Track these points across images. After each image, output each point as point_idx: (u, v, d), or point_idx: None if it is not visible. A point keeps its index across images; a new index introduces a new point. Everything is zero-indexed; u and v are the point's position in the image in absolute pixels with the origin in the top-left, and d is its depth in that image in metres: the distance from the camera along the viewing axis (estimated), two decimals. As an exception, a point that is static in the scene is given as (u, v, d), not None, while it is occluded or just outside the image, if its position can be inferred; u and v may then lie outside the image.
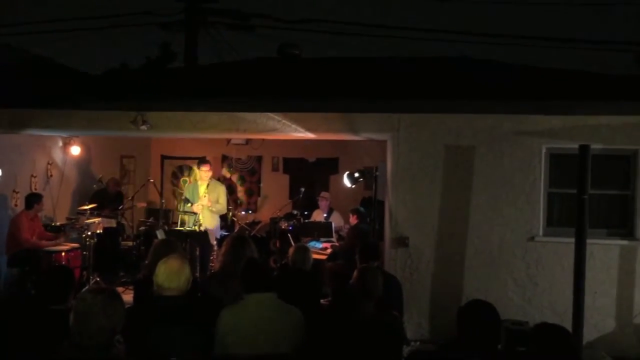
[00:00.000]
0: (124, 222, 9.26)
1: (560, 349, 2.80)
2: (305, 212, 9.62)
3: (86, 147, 9.53)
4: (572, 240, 5.47)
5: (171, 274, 3.58)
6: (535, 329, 2.94)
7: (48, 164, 8.68)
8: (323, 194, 9.59)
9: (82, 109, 7.03)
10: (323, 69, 9.03)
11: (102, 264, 8.21)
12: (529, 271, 6.44)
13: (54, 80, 8.80)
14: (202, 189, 7.68)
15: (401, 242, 6.58)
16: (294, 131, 6.80)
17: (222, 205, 7.78)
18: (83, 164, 9.61)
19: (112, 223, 8.73)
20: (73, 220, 8.28)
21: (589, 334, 6.10)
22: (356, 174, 7.43)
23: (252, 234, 9.57)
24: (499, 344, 2.77)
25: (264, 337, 3.43)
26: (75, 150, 9.14)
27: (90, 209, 7.95)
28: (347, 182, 7.58)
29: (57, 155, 8.93)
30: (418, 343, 6.30)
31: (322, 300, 5.35)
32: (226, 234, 8.36)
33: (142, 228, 9.02)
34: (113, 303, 2.62)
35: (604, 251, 6.33)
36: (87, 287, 7.27)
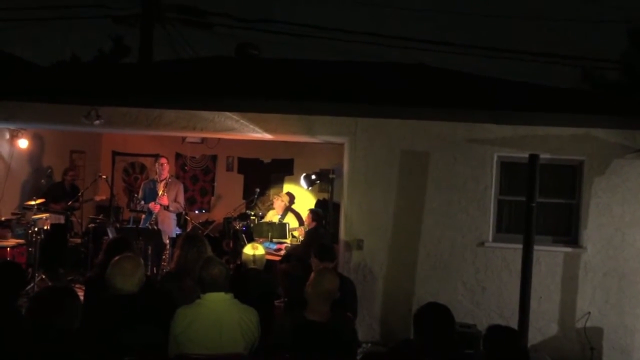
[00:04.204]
0: (72, 218, 8.98)
1: (511, 350, 2.90)
2: None
3: (36, 141, 9.21)
4: (520, 246, 5.65)
5: (125, 272, 3.56)
6: (488, 331, 3.03)
7: (-7, 156, 8.37)
8: (278, 194, 9.58)
9: (29, 101, 6.80)
10: (281, 70, 9.02)
11: (48, 261, 7.95)
12: (478, 275, 6.61)
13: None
14: (160, 186, 7.58)
15: (355, 244, 6.64)
16: (251, 131, 6.78)
17: (180, 203, 7.72)
18: (33, 158, 9.28)
19: (60, 219, 8.45)
20: (19, 216, 7.98)
21: (534, 337, 6.30)
22: (313, 176, 7.46)
23: (205, 234, 9.46)
24: (453, 346, 2.84)
25: (219, 337, 3.42)
26: (23, 143, 8.82)
27: (38, 204, 7.68)
28: (303, 184, 7.59)
29: (4, 148, 8.59)
30: (369, 345, 6.38)
31: (275, 302, 5.35)
32: (180, 232, 8.26)
33: (91, 225, 8.78)
34: (70, 302, 2.57)
35: (549, 257, 6.55)
36: (32, 285, 7.07)
